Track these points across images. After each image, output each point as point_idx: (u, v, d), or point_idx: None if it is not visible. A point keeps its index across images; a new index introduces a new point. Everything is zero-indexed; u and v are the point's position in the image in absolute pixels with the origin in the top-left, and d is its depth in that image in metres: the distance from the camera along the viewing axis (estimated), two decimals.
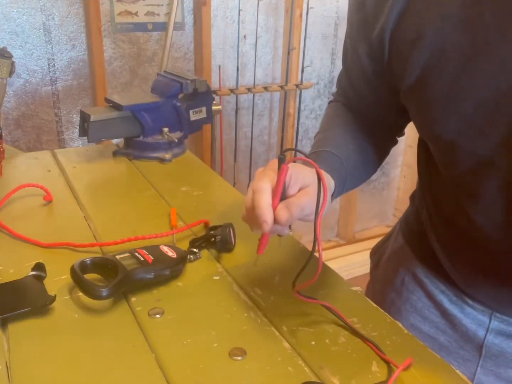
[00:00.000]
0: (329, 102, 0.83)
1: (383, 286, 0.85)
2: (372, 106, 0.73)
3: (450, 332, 0.75)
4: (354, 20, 0.66)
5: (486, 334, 0.72)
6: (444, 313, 0.75)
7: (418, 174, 0.77)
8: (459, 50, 0.54)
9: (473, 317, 0.72)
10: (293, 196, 0.56)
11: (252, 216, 0.55)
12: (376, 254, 0.91)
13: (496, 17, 0.51)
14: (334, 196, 0.66)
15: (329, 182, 0.64)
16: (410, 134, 0.76)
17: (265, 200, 0.54)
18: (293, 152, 0.61)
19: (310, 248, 0.75)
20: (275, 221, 0.54)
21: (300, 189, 0.57)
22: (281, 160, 0.54)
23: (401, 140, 0.68)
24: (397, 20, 0.59)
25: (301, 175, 0.57)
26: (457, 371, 0.52)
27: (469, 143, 0.58)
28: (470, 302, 0.72)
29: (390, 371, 0.52)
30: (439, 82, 0.57)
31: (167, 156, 1.08)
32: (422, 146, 0.73)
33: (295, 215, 0.55)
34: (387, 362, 0.53)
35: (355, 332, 0.57)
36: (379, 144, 0.77)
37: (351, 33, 0.69)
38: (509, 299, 0.68)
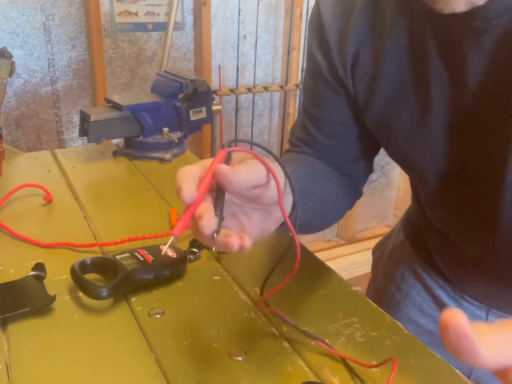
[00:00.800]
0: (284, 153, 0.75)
1: (384, 281, 0.86)
2: (340, 150, 0.68)
3: None
4: (319, 58, 0.65)
5: None
6: (443, 308, 0.76)
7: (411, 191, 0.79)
8: (413, 81, 0.57)
9: (470, 312, 0.73)
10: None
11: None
12: (378, 251, 0.92)
13: (439, 50, 0.54)
14: (297, 206, 0.51)
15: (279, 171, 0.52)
16: None
17: (184, 171, 0.46)
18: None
19: (311, 249, 0.75)
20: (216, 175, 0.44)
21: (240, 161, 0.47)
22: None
23: None
24: (354, 56, 0.61)
25: (239, 156, 0.47)
26: (457, 371, 0.52)
27: (435, 164, 0.61)
28: (467, 297, 0.73)
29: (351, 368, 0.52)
30: (401, 112, 0.60)
31: (167, 156, 1.08)
32: None
33: (240, 174, 0.43)
34: (342, 359, 0.53)
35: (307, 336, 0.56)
36: (342, 189, 0.70)
37: (313, 72, 0.67)
38: (500, 298, 0.69)
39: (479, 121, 0.55)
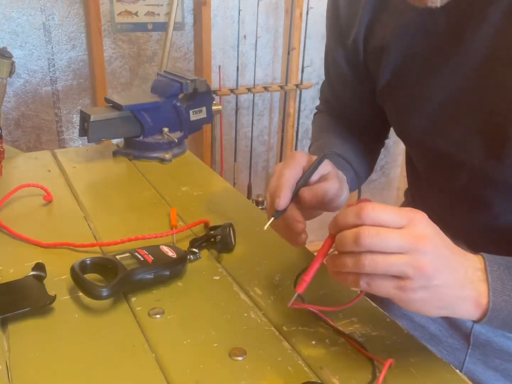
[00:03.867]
0: (314, 114, 0.89)
1: None
2: (355, 112, 0.79)
3: (440, 321, 0.77)
4: (331, 32, 0.74)
5: (473, 324, 0.73)
6: None
7: (406, 172, 0.83)
8: (420, 55, 0.60)
9: None
10: (315, 183, 0.59)
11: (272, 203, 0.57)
12: None
13: (450, 24, 0.56)
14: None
15: (343, 177, 0.66)
16: None
17: (284, 179, 0.55)
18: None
19: (310, 249, 0.75)
20: (301, 200, 0.56)
21: (321, 177, 0.60)
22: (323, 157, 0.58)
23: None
24: (367, 29, 0.66)
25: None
26: (457, 371, 0.52)
27: (433, 140, 0.64)
28: None
29: (375, 369, 0.52)
30: (406, 85, 0.63)
31: (167, 156, 1.08)
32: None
33: (318, 196, 0.57)
34: (371, 360, 0.53)
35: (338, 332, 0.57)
36: (368, 146, 0.81)
37: (329, 45, 0.76)
38: None
39: (479, 97, 0.56)
